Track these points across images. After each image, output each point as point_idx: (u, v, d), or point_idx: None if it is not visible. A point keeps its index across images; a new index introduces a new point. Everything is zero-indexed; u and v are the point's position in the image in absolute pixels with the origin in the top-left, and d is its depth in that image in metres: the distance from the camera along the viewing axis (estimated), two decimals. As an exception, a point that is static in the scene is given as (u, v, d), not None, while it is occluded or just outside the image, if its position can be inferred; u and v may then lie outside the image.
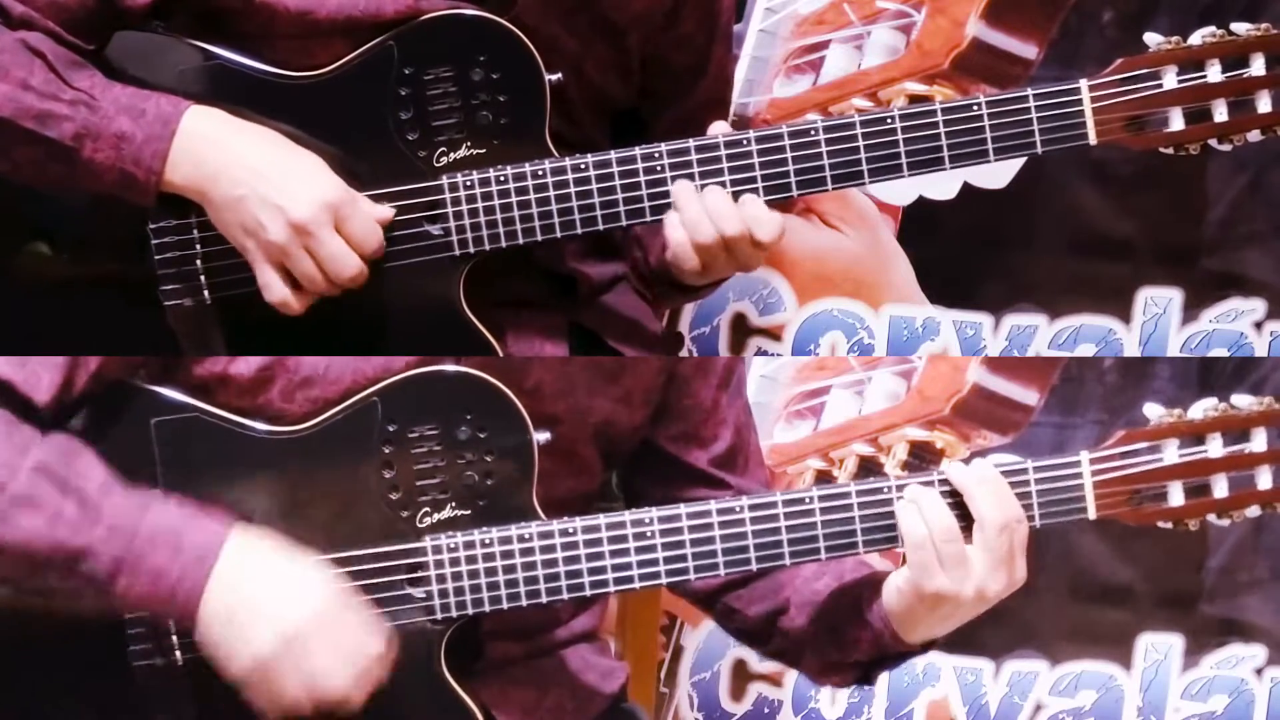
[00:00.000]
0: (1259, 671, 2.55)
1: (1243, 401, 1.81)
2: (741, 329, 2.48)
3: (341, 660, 1.68)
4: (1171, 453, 1.80)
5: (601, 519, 1.78)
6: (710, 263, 1.87)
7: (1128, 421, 2.48)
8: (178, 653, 1.74)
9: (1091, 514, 1.80)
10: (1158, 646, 2.54)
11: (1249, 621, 2.54)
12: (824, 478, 2.49)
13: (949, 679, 2.52)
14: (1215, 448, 1.80)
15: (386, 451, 1.77)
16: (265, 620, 1.67)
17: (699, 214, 1.85)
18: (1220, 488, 1.80)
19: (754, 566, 1.80)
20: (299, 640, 1.67)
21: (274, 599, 1.68)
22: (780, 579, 1.93)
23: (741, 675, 2.53)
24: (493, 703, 1.83)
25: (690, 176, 1.86)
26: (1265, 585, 2.53)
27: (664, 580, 1.80)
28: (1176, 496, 1.81)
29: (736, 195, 1.86)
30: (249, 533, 1.71)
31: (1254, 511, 1.81)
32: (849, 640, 1.87)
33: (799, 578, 1.91)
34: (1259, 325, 2.52)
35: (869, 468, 2.49)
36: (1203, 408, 1.81)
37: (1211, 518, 1.81)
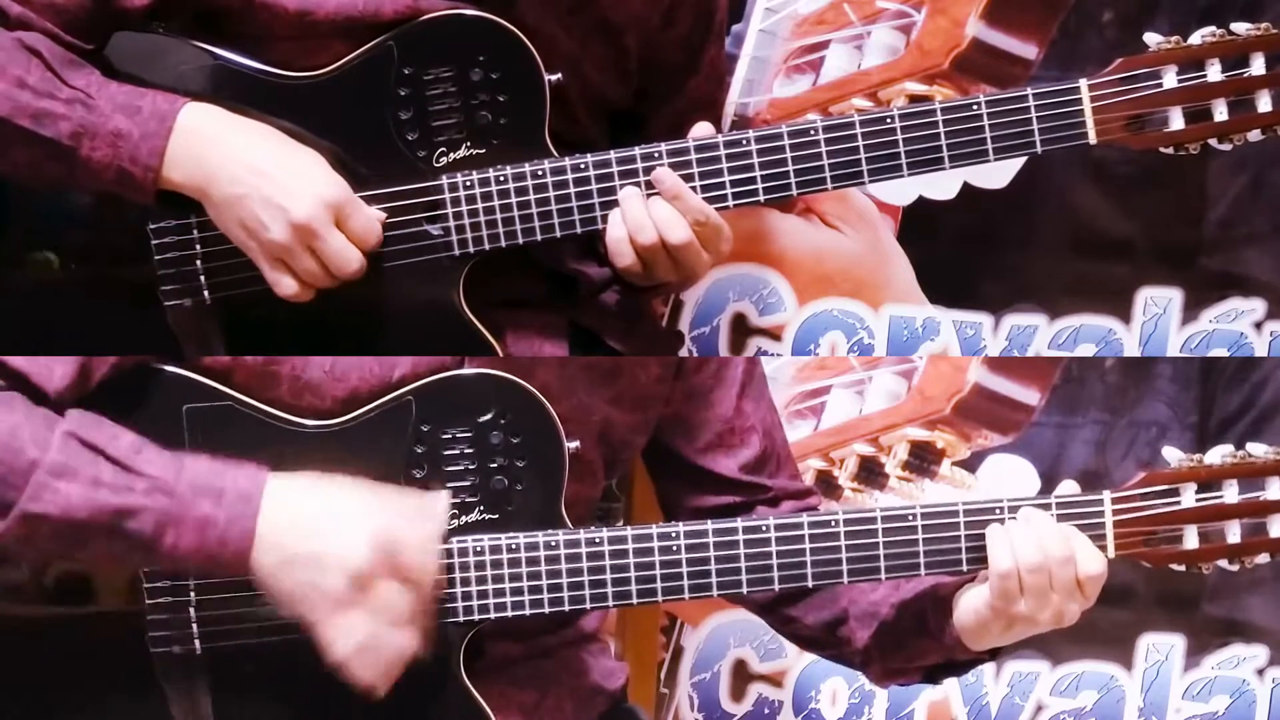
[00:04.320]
0: (1260, 672, 2.55)
1: (1258, 450, 1.84)
2: (741, 329, 2.47)
3: (406, 588, 1.68)
4: (1189, 497, 1.83)
5: (629, 530, 1.79)
6: (652, 265, 1.87)
7: (1129, 421, 2.50)
8: (196, 641, 1.75)
9: (1111, 553, 1.82)
10: (1159, 647, 2.54)
11: (1251, 622, 2.54)
12: (825, 478, 2.48)
13: (949, 679, 2.52)
14: (1231, 494, 1.83)
15: (418, 451, 1.77)
16: (326, 561, 1.67)
17: (643, 218, 1.85)
18: (1233, 533, 1.84)
19: (776, 587, 1.81)
20: (363, 578, 1.67)
21: (328, 535, 1.68)
22: (837, 589, 1.93)
23: (742, 676, 2.52)
24: (493, 703, 1.83)
25: (689, 176, 1.86)
26: (1267, 585, 2.53)
27: (686, 595, 1.81)
28: (1191, 540, 1.84)
29: (716, 198, 1.87)
30: (287, 475, 1.71)
31: (1264, 558, 1.85)
32: (916, 651, 1.90)
33: (855, 587, 1.92)
34: (1259, 325, 2.52)
35: (870, 468, 2.49)
36: (1220, 454, 1.85)
37: (1223, 563, 1.85)
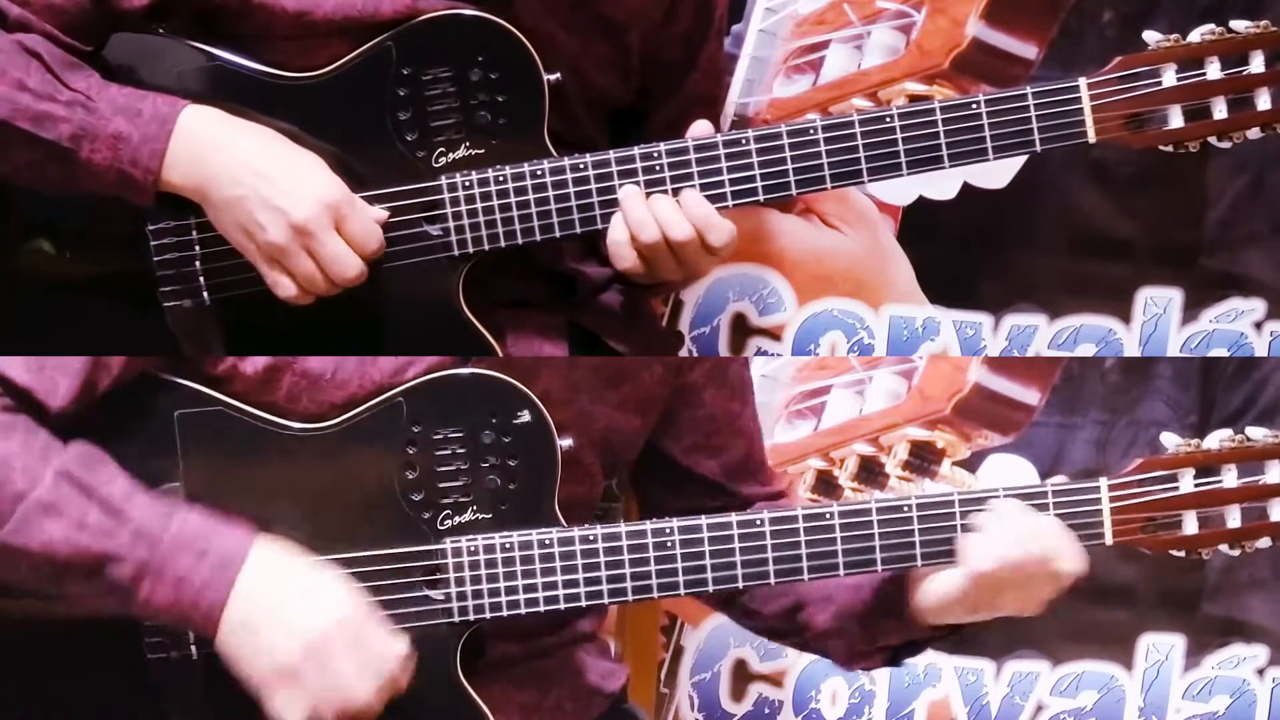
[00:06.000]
0: (1261, 672, 2.55)
1: (1257, 434, 1.84)
2: (741, 329, 2.47)
3: (365, 669, 1.68)
4: (1187, 482, 1.83)
5: (622, 527, 1.79)
6: (654, 264, 1.87)
7: (1129, 421, 2.49)
8: (193, 647, 1.75)
9: (1108, 540, 1.82)
10: (1159, 647, 2.54)
11: (1251, 621, 2.54)
12: (825, 478, 2.48)
13: (950, 679, 2.52)
14: (1230, 478, 1.83)
15: (410, 452, 1.77)
16: (287, 628, 1.67)
17: (644, 216, 1.85)
18: (1233, 518, 1.83)
19: (772, 580, 1.81)
20: (321, 649, 1.67)
21: (296, 608, 1.68)
22: None
23: (742, 675, 2.52)
24: (493, 703, 1.82)
25: (688, 175, 1.86)
26: (1267, 585, 2.53)
27: (682, 591, 1.81)
28: (1191, 525, 1.83)
29: (716, 197, 1.86)
30: (273, 542, 1.70)
31: (1265, 543, 1.85)
32: (878, 630, 1.89)
33: None
34: (1259, 325, 2.51)
35: (870, 468, 2.49)
36: (1218, 439, 1.84)
37: (1224, 548, 1.84)
